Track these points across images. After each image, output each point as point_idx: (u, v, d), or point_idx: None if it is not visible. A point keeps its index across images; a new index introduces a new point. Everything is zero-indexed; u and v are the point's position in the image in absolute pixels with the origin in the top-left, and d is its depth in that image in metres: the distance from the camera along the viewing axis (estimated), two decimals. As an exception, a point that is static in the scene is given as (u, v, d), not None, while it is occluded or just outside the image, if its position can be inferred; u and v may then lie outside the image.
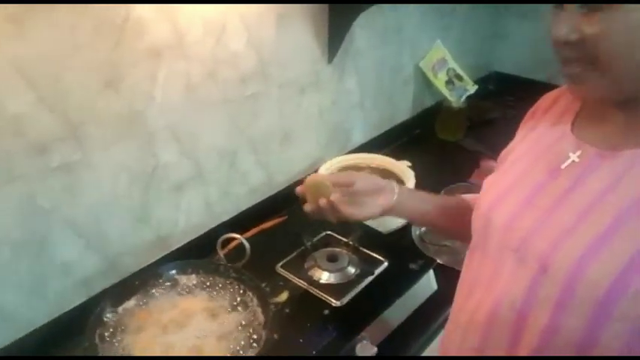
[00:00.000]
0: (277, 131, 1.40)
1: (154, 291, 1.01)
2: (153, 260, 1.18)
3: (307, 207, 0.88)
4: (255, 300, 0.99)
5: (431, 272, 1.20)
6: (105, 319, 0.94)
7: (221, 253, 1.19)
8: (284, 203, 1.42)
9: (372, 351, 1.00)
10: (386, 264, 1.19)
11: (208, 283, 1.02)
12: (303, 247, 1.23)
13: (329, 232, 1.28)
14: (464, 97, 1.84)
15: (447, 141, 1.84)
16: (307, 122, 1.48)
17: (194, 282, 1.02)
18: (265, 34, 1.24)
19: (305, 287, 1.13)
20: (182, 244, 1.25)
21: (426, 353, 1.09)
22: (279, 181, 1.47)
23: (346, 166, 1.47)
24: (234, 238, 1.22)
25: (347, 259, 1.18)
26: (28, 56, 0.86)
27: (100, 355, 0.87)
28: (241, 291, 1.01)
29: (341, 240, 1.26)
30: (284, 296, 1.12)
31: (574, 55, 0.59)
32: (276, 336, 0.91)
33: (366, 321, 1.05)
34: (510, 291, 0.65)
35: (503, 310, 0.65)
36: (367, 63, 1.58)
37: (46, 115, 0.92)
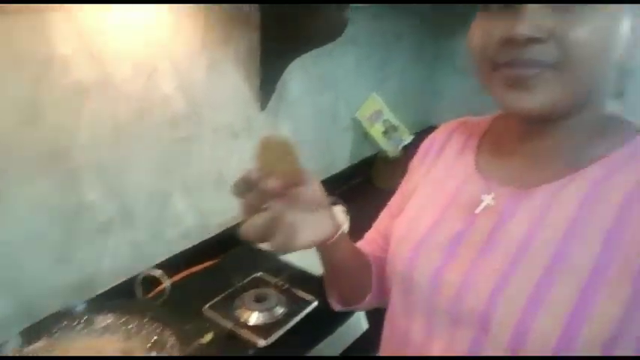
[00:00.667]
0: (211, 174, 1.41)
1: (66, 331, 0.96)
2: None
3: (264, 179, 0.56)
4: (173, 339, 0.96)
5: (361, 312, 1.19)
6: (9, 362, 0.88)
7: (140, 291, 1.16)
8: (219, 248, 1.40)
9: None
10: (316, 303, 1.18)
11: (124, 323, 0.98)
12: (232, 289, 1.21)
13: (260, 274, 1.27)
14: (400, 147, 1.91)
15: (384, 190, 1.88)
16: (242, 167, 1.48)
17: (109, 321, 0.98)
18: (196, 77, 1.27)
19: (231, 328, 1.10)
20: (107, 287, 1.21)
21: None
22: (214, 225, 1.46)
23: (282, 211, 1.48)
24: (159, 282, 1.19)
25: (275, 299, 1.17)
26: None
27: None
28: (158, 330, 0.97)
29: (271, 281, 1.25)
30: (209, 337, 1.08)
31: (533, 56, 0.53)
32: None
33: (292, 360, 1.03)
34: (449, 355, 0.60)
35: None
36: (302, 111, 1.63)
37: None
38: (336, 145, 1.85)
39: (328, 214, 0.65)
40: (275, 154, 0.58)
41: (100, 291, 1.19)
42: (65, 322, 0.98)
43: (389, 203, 0.84)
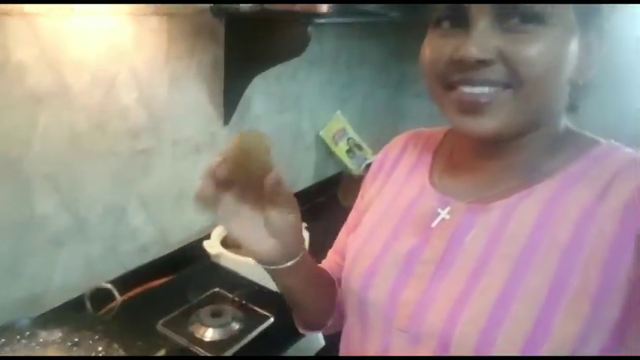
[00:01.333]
0: (172, 189, 1.39)
1: (7, 348, 0.92)
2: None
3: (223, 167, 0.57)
4: (121, 354, 0.93)
5: (319, 328, 1.18)
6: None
7: (90, 306, 1.12)
8: (177, 264, 1.37)
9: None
10: (272, 319, 1.16)
11: (70, 338, 0.95)
12: (188, 305, 1.19)
13: (217, 290, 1.25)
14: (364, 165, 1.93)
15: (349, 208, 1.89)
16: (204, 182, 1.48)
17: (55, 337, 0.94)
18: (158, 91, 1.26)
19: (185, 344, 1.08)
20: (58, 303, 1.17)
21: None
22: (174, 241, 1.43)
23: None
24: (112, 298, 1.16)
25: (231, 315, 1.15)
26: None
27: None
28: (106, 345, 0.94)
29: (228, 297, 1.23)
30: (161, 353, 1.05)
31: (483, 76, 0.53)
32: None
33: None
34: None
35: None
36: (266, 128, 1.63)
37: None
38: (300, 162, 1.85)
39: (283, 240, 0.62)
40: (250, 148, 0.58)
41: (51, 306, 1.15)
42: (4, 338, 0.94)
43: (346, 221, 0.84)
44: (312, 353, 1.14)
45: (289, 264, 0.65)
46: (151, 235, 1.36)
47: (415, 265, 0.60)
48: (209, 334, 1.11)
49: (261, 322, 1.15)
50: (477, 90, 0.53)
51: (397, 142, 0.78)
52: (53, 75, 1.05)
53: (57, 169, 1.11)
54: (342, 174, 1.93)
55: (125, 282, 1.25)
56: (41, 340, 0.94)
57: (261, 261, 0.65)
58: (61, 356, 0.92)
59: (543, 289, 0.52)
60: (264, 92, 1.57)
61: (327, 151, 1.93)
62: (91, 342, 0.95)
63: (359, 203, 0.80)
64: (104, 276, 1.25)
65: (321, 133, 1.86)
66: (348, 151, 1.92)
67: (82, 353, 0.93)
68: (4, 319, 1.06)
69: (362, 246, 0.68)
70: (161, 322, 1.14)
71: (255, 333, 1.12)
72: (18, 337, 0.94)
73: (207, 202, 0.59)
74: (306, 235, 1.44)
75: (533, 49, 0.51)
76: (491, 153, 0.61)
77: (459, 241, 0.59)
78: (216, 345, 1.08)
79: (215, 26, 1.34)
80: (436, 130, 0.76)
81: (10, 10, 0.94)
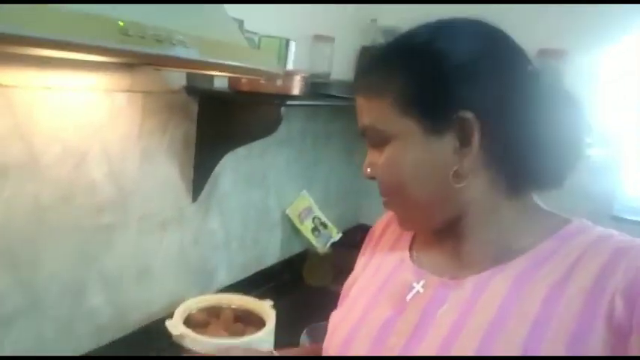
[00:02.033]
0: (134, 266, 1.34)
1: None
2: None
3: None
4: None
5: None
6: None
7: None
8: (137, 345, 1.30)
9: None
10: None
11: None
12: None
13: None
14: (329, 244, 1.93)
15: (314, 286, 1.87)
16: (167, 259, 1.44)
17: None
18: (129, 165, 1.26)
19: None
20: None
21: None
22: (134, 321, 1.36)
23: (206, 307, 1.42)
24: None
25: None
26: None
27: None
28: None
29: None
30: None
31: (380, 187, 0.65)
32: None
33: None
34: None
35: None
36: (233, 205, 1.63)
37: None
38: (266, 240, 1.84)
39: None
40: None
41: (-6, 393, 1.05)
42: None
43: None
44: None
45: None
46: (109, 315, 1.29)
47: (389, 337, 0.62)
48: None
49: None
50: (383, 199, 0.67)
51: (382, 222, 0.81)
52: (23, 146, 1.03)
53: (16, 243, 1.06)
54: (307, 252, 1.92)
55: (79, 366, 1.17)
56: None
57: None
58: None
59: None
60: (233, 169, 1.59)
61: (293, 229, 1.93)
62: None
63: (348, 280, 0.81)
64: (56, 359, 1.17)
65: (287, 211, 1.87)
66: (314, 230, 1.93)
67: None
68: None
69: (340, 320, 0.71)
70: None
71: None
72: None
73: None
74: (272, 313, 1.40)
75: (381, 161, 0.63)
76: (452, 235, 0.64)
77: (431, 314, 0.60)
78: None
79: (189, 103, 1.38)
80: None
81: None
